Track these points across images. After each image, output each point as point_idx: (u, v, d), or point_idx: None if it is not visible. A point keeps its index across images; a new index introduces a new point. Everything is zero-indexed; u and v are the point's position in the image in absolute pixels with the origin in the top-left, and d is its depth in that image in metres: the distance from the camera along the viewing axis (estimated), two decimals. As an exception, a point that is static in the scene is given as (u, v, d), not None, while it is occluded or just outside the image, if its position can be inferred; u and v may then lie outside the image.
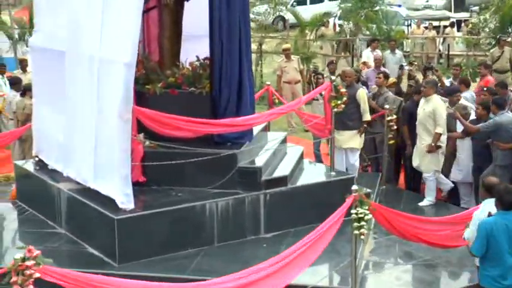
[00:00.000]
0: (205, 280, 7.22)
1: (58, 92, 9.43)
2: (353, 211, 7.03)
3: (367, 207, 7.04)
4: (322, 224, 6.84)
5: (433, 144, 10.36)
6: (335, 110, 9.77)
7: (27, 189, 10.25)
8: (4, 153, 14.64)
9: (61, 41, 9.23)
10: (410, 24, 28.99)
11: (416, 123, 10.62)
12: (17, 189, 10.58)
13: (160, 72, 9.54)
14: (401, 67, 16.27)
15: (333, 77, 9.91)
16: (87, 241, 8.67)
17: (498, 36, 19.58)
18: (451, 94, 11.31)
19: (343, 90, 9.74)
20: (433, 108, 10.37)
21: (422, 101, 10.61)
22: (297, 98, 17.25)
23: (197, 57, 9.78)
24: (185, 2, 9.86)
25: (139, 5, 8.11)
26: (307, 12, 27.65)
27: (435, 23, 27.93)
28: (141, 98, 9.02)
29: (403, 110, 11.45)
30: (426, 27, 26.74)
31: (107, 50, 8.36)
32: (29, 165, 10.40)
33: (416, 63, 16.70)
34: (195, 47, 10.16)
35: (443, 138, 10.49)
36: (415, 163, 10.81)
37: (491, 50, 19.14)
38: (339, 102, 9.70)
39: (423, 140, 10.56)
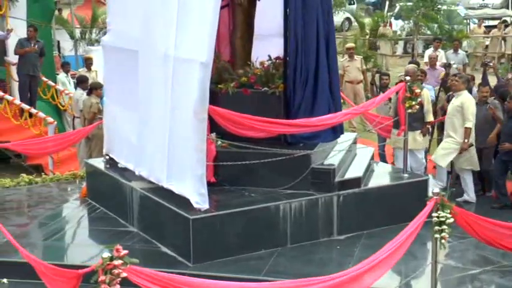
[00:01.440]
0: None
1: (130, 91, 9.45)
2: (434, 214, 6.89)
3: (448, 211, 6.90)
4: (404, 229, 6.68)
5: (465, 140, 10.19)
6: (409, 111, 9.62)
7: (98, 187, 10.32)
8: (70, 151, 14.83)
9: (134, 40, 9.24)
10: (469, 24, 28.60)
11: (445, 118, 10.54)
12: (88, 187, 10.65)
13: (232, 71, 9.50)
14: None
15: (407, 78, 9.72)
16: (160, 240, 8.67)
17: None
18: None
19: (417, 90, 9.59)
20: (461, 101, 10.22)
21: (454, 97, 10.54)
22: (359, 98, 17.20)
23: (269, 56, 9.72)
24: (257, 2, 9.78)
25: (216, 3, 8.06)
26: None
27: (491, 22, 27.55)
28: (212, 97, 8.96)
29: None
30: (486, 26, 26.36)
31: (182, 49, 8.31)
32: (99, 164, 10.46)
33: (492, 63, 16.21)
34: (263, 46, 10.12)
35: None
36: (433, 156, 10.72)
37: None
38: (414, 103, 9.55)
39: (449, 136, 10.45)
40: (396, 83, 12.13)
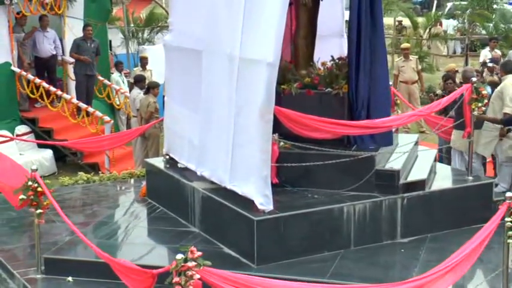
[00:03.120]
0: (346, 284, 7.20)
1: (192, 92, 9.44)
2: (507, 219, 6.76)
3: (521, 215, 6.77)
4: (477, 234, 6.56)
5: (504, 128, 10.01)
6: (475, 112, 9.47)
7: (158, 187, 10.33)
8: (125, 150, 14.97)
9: (198, 40, 9.23)
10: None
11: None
12: (147, 186, 10.69)
13: (295, 72, 9.45)
14: None
15: (474, 79, 9.57)
16: (223, 241, 8.64)
17: None
18: None
19: (484, 92, 9.44)
20: (501, 86, 10.08)
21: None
22: (413, 98, 17.03)
23: (332, 57, 9.64)
24: (321, 2, 9.71)
25: (284, 3, 8.00)
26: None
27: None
28: (275, 98, 8.92)
29: None
30: None
31: (248, 49, 8.26)
32: (159, 163, 10.48)
33: None
34: (323, 46, 10.05)
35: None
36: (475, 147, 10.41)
37: None
38: (480, 104, 9.40)
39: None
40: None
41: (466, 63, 22.13)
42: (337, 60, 9.60)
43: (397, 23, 27.44)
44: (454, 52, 30.10)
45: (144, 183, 11.01)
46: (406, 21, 27.98)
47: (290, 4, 9.66)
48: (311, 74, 9.36)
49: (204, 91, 9.17)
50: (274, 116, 8.24)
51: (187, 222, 9.41)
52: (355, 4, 8.91)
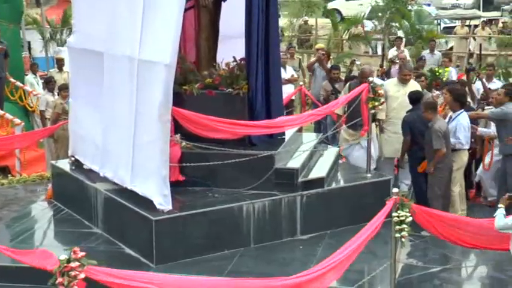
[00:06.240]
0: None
1: (95, 93, 9.46)
2: (394, 214, 7.00)
3: (408, 210, 7.01)
4: (364, 228, 6.79)
5: None
6: (372, 111, 9.73)
7: (63, 189, 10.30)
8: (37, 153, 14.79)
9: (100, 41, 9.26)
10: (440, 24, 28.86)
11: None
12: (53, 188, 10.63)
13: (197, 72, 9.55)
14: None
15: (371, 78, 9.83)
16: (124, 241, 8.69)
17: None
18: None
19: (380, 91, 9.71)
20: None
21: None
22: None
23: (234, 58, 9.77)
24: (222, 3, 9.84)
25: (180, 6, 8.11)
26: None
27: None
28: (178, 98, 9.02)
29: None
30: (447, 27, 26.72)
31: (147, 51, 8.36)
32: (65, 165, 10.45)
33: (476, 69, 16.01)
34: (229, 48, 10.17)
35: None
36: None
37: None
38: (377, 103, 9.66)
39: None
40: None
41: (383, 62, 22.62)
42: (239, 61, 9.72)
43: (302, 22, 27.71)
44: (376, 52, 30.65)
45: (50, 185, 10.94)
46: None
47: (192, 7, 9.82)
48: (212, 74, 9.47)
49: (106, 93, 9.21)
50: (178, 117, 8.37)
51: (90, 223, 9.42)
52: (250, 5, 9.05)
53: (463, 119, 9.84)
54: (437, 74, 12.97)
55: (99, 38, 9.30)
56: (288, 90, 14.51)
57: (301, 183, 9.05)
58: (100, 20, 9.33)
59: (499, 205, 7.36)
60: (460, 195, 10.06)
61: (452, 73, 15.09)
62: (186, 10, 9.78)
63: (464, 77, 13.72)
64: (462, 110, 9.93)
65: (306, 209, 9.01)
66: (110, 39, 9.07)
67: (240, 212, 8.59)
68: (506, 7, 31.16)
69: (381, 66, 18.95)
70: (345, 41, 26.04)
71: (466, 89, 12.17)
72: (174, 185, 8.61)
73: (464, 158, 9.96)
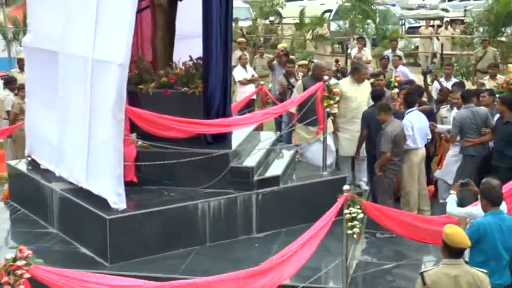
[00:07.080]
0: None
1: (51, 92, 9.43)
2: (345, 211, 7.06)
3: (359, 207, 7.07)
4: (315, 224, 6.85)
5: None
6: (327, 110, 9.80)
7: (20, 189, 10.25)
8: (-2, 153, 14.64)
9: (54, 41, 9.23)
10: (404, 24, 29.05)
11: None
12: (10, 189, 10.58)
13: (153, 72, 9.55)
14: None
15: (326, 77, 9.89)
16: (79, 241, 8.69)
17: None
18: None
19: (336, 90, 9.78)
20: None
21: None
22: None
23: (190, 57, 9.80)
24: (178, 2, 9.85)
25: (133, 6, 8.12)
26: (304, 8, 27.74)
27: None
28: (133, 98, 9.04)
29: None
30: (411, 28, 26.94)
31: (100, 51, 8.37)
32: (22, 165, 10.40)
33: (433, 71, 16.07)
34: (186, 47, 10.19)
35: None
36: None
37: (475, 51, 19.38)
38: (332, 101, 9.72)
39: None
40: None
41: (346, 63, 22.74)
42: (195, 60, 9.74)
43: (268, 22, 27.78)
44: (343, 52, 30.74)
45: (6, 185, 10.87)
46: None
47: (147, 6, 9.83)
48: (168, 74, 9.48)
49: (61, 92, 9.19)
50: (134, 116, 8.37)
51: (46, 223, 9.40)
52: (208, 5, 9.07)
53: (409, 118, 9.89)
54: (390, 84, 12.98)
55: (53, 38, 9.27)
56: (249, 90, 14.67)
57: (256, 181, 9.09)
58: (54, 19, 9.31)
59: (451, 191, 7.43)
60: (421, 195, 10.07)
61: (406, 72, 15.20)
62: (141, 10, 9.87)
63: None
64: (411, 109, 9.99)
65: (262, 207, 9.06)
66: (64, 38, 9.06)
67: (196, 210, 8.62)
68: (469, 7, 31.44)
69: (337, 61, 19.09)
70: (308, 41, 26.08)
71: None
72: (130, 184, 8.63)
73: (413, 157, 9.89)
